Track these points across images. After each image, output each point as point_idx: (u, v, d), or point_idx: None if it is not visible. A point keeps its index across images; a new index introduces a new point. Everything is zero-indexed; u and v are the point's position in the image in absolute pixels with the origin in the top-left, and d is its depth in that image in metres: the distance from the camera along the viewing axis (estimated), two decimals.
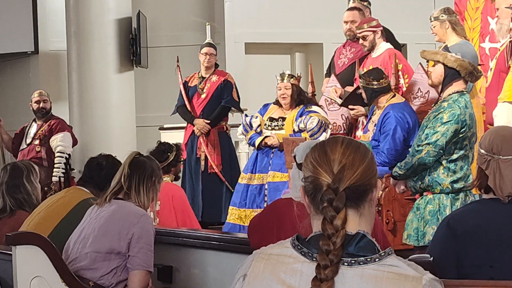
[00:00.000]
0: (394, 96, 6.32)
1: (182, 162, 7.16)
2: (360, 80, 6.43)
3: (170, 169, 6.88)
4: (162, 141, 7.20)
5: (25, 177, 5.26)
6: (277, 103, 7.19)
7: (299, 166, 3.90)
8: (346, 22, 7.51)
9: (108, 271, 4.24)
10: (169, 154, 6.85)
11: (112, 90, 9.96)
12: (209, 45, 8.28)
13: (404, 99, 6.36)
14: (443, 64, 5.02)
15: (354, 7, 7.58)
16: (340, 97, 7.25)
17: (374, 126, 6.31)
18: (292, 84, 7.05)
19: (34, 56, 11.77)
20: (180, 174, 7.44)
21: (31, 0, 11.62)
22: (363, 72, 6.51)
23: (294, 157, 3.98)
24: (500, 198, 3.22)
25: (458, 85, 4.99)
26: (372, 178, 2.00)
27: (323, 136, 6.79)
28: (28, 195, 5.23)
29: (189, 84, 8.30)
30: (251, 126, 7.23)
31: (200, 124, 8.05)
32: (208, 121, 8.04)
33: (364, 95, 6.41)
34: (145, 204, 4.38)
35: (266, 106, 7.31)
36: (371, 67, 6.81)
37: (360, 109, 6.78)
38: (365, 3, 7.71)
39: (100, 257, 4.25)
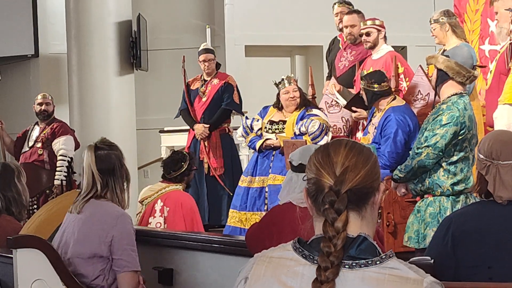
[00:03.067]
0: (395, 98, 6.32)
1: (194, 171, 7.17)
2: (361, 82, 6.43)
3: (183, 178, 6.90)
4: (176, 150, 7.23)
5: (16, 177, 5.25)
6: (276, 106, 7.18)
7: (295, 169, 3.90)
8: (346, 27, 7.50)
9: (96, 275, 4.17)
10: (182, 163, 6.88)
11: (112, 93, 9.97)
12: (206, 51, 8.24)
13: (404, 102, 6.36)
14: (435, 66, 5.04)
15: (353, 11, 7.59)
16: (339, 92, 7.27)
17: (375, 128, 6.31)
18: (297, 86, 7.09)
19: (34, 59, 11.79)
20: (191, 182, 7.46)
21: (31, 3, 11.64)
22: (364, 74, 6.50)
23: (290, 162, 3.97)
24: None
25: (454, 87, 4.97)
26: (374, 181, 2.00)
27: (325, 140, 6.79)
28: (18, 195, 5.20)
29: (191, 87, 8.31)
30: (252, 128, 7.22)
31: (200, 129, 8.05)
32: (208, 126, 8.05)
33: (364, 97, 6.41)
34: (124, 202, 4.25)
35: (265, 108, 7.31)
36: (371, 69, 6.81)
37: (363, 112, 6.77)
38: (350, 6, 7.72)
39: (83, 262, 4.18)
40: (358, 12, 7.53)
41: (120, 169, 4.25)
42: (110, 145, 4.32)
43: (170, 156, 7.04)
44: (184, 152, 7.12)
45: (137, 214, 6.97)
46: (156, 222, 6.72)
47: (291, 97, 7.00)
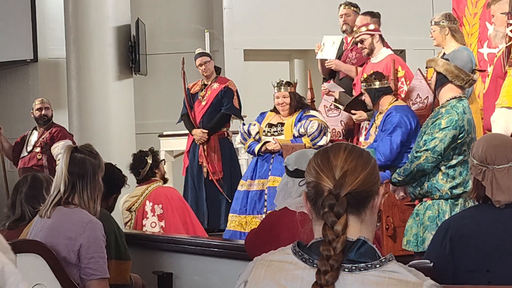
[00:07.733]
0: (396, 100, 6.35)
1: (162, 162, 7.16)
2: (362, 85, 6.43)
3: (154, 172, 6.89)
4: (136, 152, 7.20)
5: (44, 189, 5.21)
6: (274, 110, 7.21)
7: (291, 174, 3.89)
8: (341, 16, 7.59)
9: (77, 283, 4.11)
10: (146, 158, 6.87)
11: (111, 98, 9.97)
12: (200, 55, 8.26)
13: (406, 103, 6.39)
14: (435, 69, 5.05)
15: (350, 3, 7.67)
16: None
17: (376, 129, 6.31)
18: (289, 92, 7.09)
19: (33, 64, 11.78)
20: (167, 176, 7.43)
21: (30, 8, 11.63)
22: (364, 77, 6.52)
23: (285, 166, 3.96)
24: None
25: (453, 91, 4.98)
26: (374, 185, 2.01)
27: (324, 140, 6.84)
28: None
29: (191, 91, 8.32)
30: (249, 134, 7.23)
31: (198, 134, 8.05)
32: (206, 131, 8.05)
33: (367, 99, 6.41)
34: (91, 209, 4.08)
35: (262, 114, 7.33)
36: (371, 72, 6.83)
37: (362, 114, 6.79)
38: (355, 9, 7.76)
39: None
40: (355, 5, 7.63)
41: (92, 178, 4.05)
42: (91, 152, 4.12)
43: (132, 159, 6.98)
44: (144, 150, 7.10)
45: (125, 223, 6.91)
46: (151, 223, 6.71)
47: (280, 103, 7.07)
